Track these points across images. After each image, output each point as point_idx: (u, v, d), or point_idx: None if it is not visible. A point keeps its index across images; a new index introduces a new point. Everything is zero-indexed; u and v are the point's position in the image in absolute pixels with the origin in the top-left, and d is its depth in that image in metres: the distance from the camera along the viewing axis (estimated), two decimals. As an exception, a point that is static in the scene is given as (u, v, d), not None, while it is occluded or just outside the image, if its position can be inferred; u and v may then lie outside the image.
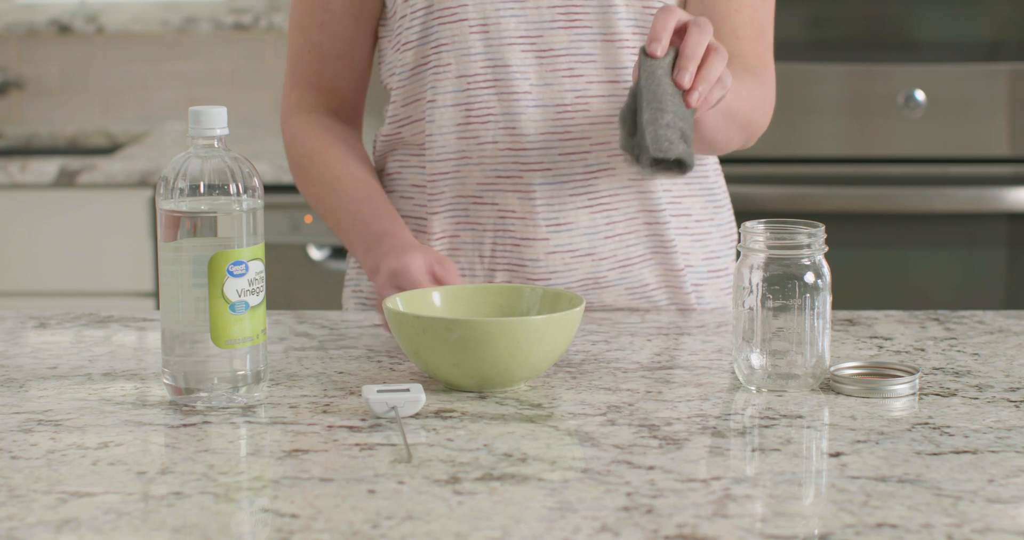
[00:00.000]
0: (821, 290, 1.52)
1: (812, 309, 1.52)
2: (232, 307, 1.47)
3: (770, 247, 1.52)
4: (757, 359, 1.53)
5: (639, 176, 1.55)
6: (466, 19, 1.79)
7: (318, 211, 1.88)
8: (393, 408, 1.45)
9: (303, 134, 1.89)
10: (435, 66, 1.81)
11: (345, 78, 1.91)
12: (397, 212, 1.83)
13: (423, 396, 1.46)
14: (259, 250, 1.49)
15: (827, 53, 3.21)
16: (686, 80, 1.55)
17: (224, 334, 1.47)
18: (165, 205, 1.47)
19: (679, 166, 1.58)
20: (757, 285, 1.52)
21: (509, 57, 1.79)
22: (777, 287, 1.52)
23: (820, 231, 1.52)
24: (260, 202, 1.49)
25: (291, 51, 1.92)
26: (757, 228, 1.53)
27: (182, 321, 1.48)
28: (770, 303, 1.52)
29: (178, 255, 1.47)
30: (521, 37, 1.79)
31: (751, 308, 1.52)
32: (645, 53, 1.57)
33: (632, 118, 1.58)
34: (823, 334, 1.53)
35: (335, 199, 1.85)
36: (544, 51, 1.79)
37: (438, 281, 1.67)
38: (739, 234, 1.55)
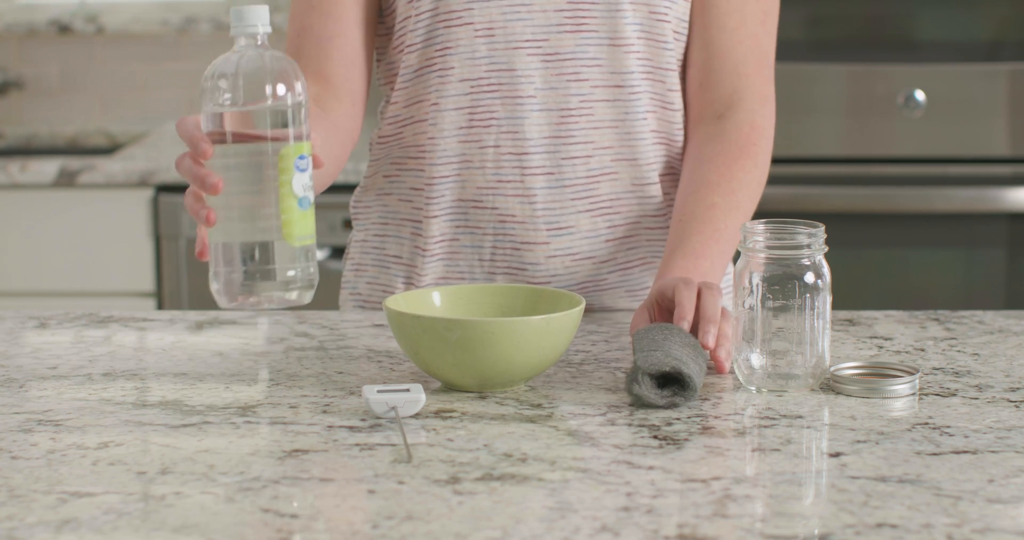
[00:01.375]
0: (821, 290, 1.52)
1: (812, 309, 1.52)
2: (300, 202, 1.45)
3: (770, 247, 1.52)
4: (757, 359, 1.53)
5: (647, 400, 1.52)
6: (472, 23, 1.78)
7: None
8: (393, 408, 1.45)
9: None
10: (439, 69, 1.81)
11: (335, 60, 1.82)
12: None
13: (423, 396, 1.46)
14: (310, 146, 1.46)
15: (827, 53, 3.21)
16: (711, 341, 1.56)
17: (295, 230, 1.43)
18: (216, 107, 1.42)
19: (678, 383, 1.49)
20: (757, 285, 1.52)
21: (514, 61, 1.79)
22: (777, 287, 1.52)
23: (820, 231, 1.52)
24: (306, 97, 1.45)
25: (286, 47, 1.86)
26: (757, 228, 1.53)
27: (239, 226, 1.43)
28: (770, 303, 1.52)
29: (236, 160, 1.42)
30: (527, 41, 1.79)
31: (751, 308, 1.52)
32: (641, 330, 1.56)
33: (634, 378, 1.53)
34: (823, 334, 1.53)
35: None
36: (550, 55, 1.79)
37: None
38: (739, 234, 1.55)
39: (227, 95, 1.42)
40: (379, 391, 1.46)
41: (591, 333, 1.76)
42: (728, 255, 1.76)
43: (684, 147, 1.86)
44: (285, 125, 1.43)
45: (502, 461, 1.33)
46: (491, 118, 1.80)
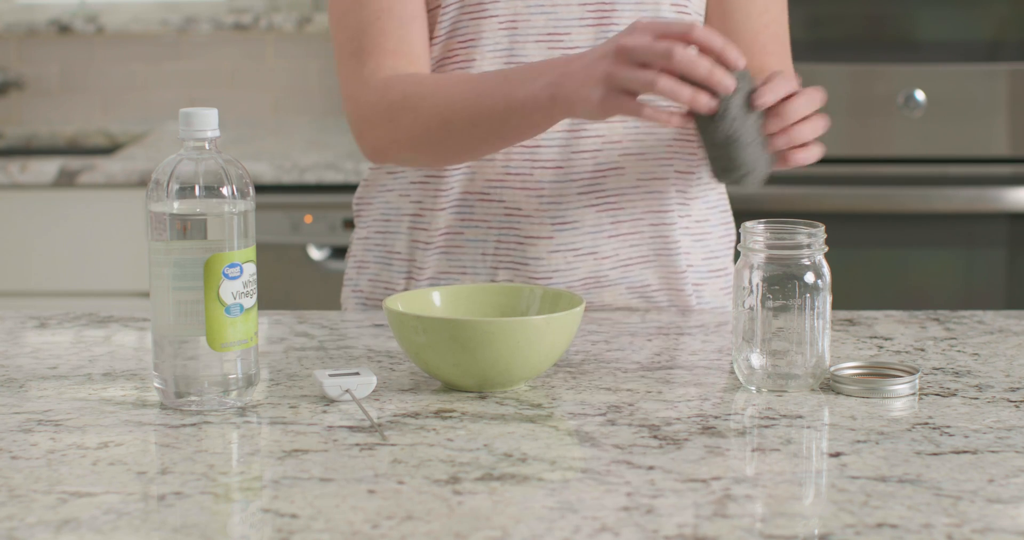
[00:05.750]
0: (821, 290, 1.52)
1: (812, 309, 1.52)
2: (227, 310, 1.47)
3: (770, 247, 1.52)
4: (757, 359, 1.53)
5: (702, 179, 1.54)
6: (496, 15, 1.79)
7: (441, 112, 1.70)
8: (347, 390, 1.49)
9: (395, 79, 1.75)
10: (461, 61, 1.80)
11: (419, 43, 1.80)
12: None
13: (374, 378, 1.51)
14: (252, 252, 1.49)
15: (827, 53, 3.21)
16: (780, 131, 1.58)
17: (220, 337, 1.47)
18: (156, 207, 1.47)
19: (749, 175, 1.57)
20: (757, 285, 1.52)
21: (534, 54, 1.79)
22: (777, 287, 1.51)
23: (820, 231, 1.52)
24: (252, 204, 1.49)
25: (350, 31, 1.80)
26: (757, 228, 1.53)
27: (174, 324, 1.48)
28: (770, 303, 1.52)
29: (169, 258, 1.47)
30: (549, 34, 1.79)
31: (751, 308, 1.52)
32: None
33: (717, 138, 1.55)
34: (823, 334, 1.53)
35: (466, 83, 1.70)
36: (570, 49, 1.79)
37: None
38: (739, 234, 1.55)
39: (166, 196, 1.47)
40: (331, 375, 1.51)
41: (591, 333, 1.76)
42: None
43: None
44: (213, 234, 1.46)
45: (502, 461, 1.33)
46: None
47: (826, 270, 1.53)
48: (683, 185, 1.86)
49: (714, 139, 1.56)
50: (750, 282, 1.52)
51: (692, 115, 1.57)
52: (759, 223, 1.53)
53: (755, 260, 1.52)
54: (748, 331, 1.53)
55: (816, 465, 1.32)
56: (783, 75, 1.59)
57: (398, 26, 1.78)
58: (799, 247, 1.51)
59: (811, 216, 3.13)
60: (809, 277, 1.51)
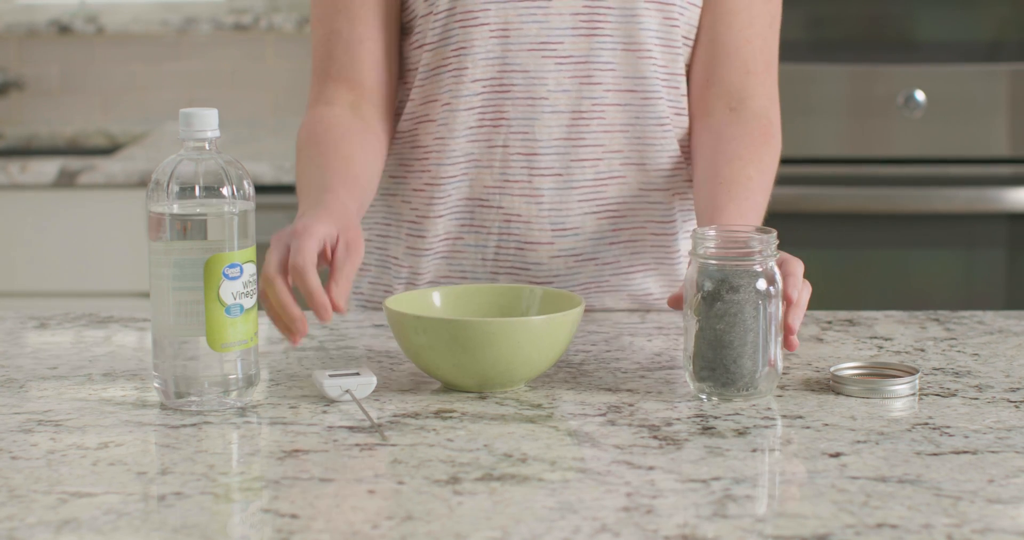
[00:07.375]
0: (773, 296, 1.49)
1: (764, 316, 1.49)
2: (228, 310, 1.47)
3: (721, 253, 1.49)
4: (708, 366, 1.50)
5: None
6: (487, 23, 1.78)
7: (298, 178, 1.78)
8: (347, 391, 1.50)
9: (311, 122, 1.81)
10: (454, 69, 1.80)
11: (367, 64, 1.82)
12: (361, 189, 1.73)
13: (374, 378, 1.51)
14: (251, 252, 1.49)
15: (827, 53, 3.21)
16: (793, 342, 1.54)
17: (220, 337, 1.47)
18: (156, 207, 1.47)
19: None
20: (708, 292, 1.49)
21: (527, 63, 1.79)
22: (728, 294, 1.48)
23: (772, 237, 1.49)
24: (251, 205, 1.49)
25: (315, 50, 1.85)
26: (708, 234, 1.50)
27: (174, 324, 1.47)
28: (721, 309, 1.49)
29: (169, 258, 1.47)
30: (542, 43, 1.79)
31: (701, 315, 1.49)
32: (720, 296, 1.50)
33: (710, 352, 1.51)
34: (775, 340, 1.50)
35: (316, 169, 1.74)
36: (563, 58, 1.79)
37: (330, 261, 1.56)
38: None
39: (165, 196, 1.47)
40: (330, 375, 1.52)
41: (591, 333, 1.76)
42: None
43: (691, 141, 1.85)
44: (212, 234, 1.46)
45: (502, 461, 1.33)
46: (501, 118, 1.80)
47: (778, 276, 1.50)
48: (687, 198, 1.86)
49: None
50: (701, 288, 1.49)
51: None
52: (710, 229, 1.51)
53: (706, 266, 1.49)
54: (699, 338, 1.50)
55: (816, 465, 1.32)
56: (794, 285, 1.55)
57: (344, 51, 1.82)
58: (751, 253, 1.49)
59: (811, 216, 3.13)
60: (761, 284, 1.49)
